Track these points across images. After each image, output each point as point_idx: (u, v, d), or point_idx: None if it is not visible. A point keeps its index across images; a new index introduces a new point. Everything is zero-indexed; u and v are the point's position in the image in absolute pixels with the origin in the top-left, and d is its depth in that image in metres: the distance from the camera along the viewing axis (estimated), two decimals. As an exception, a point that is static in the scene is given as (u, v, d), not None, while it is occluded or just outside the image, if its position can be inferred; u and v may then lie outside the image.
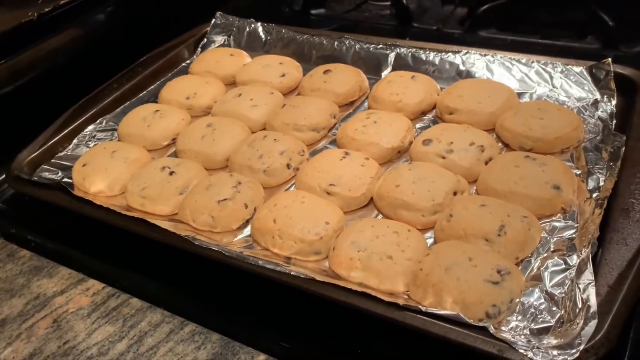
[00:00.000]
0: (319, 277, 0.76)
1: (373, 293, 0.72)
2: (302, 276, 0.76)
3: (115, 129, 1.17)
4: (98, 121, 1.19)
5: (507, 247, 0.77)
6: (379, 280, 0.77)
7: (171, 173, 0.98)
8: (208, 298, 0.85)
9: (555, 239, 0.80)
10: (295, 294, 0.77)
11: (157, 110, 1.15)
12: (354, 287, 0.74)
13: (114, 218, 0.91)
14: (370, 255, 0.78)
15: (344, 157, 0.97)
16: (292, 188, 0.98)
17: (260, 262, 0.79)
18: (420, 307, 0.70)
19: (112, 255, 0.95)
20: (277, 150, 1.00)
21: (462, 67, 1.15)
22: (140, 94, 1.27)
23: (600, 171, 0.88)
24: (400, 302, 0.71)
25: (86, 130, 1.16)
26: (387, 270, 0.77)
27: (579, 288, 0.70)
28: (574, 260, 0.74)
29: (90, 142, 1.15)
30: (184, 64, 1.38)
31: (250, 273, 0.79)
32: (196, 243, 0.83)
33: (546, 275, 0.74)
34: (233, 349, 0.75)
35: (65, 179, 1.04)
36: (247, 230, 0.90)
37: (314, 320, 0.79)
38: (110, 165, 1.02)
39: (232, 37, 1.42)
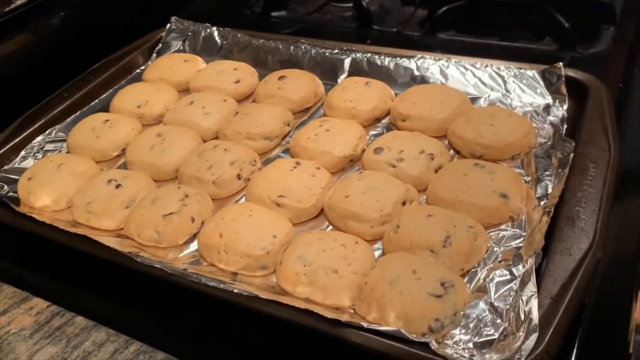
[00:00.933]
0: (263, 294, 0.74)
1: (317, 309, 0.71)
2: (245, 294, 0.74)
3: (65, 140, 1.14)
4: (47, 132, 1.15)
5: (452, 259, 0.76)
6: (325, 295, 0.76)
7: (117, 186, 0.95)
8: (153, 316, 0.83)
9: (502, 248, 0.79)
10: (241, 312, 0.75)
11: (107, 120, 1.12)
12: (299, 304, 0.72)
13: (57, 235, 0.89)
14: (316, 270, 0.77)
15: (294, 167, 0.95)
16: (243, 200, 0.96)
17: (203, 279, 0.77)
18: (362, 323, 0.69)
19: (57, 273, 0.92)
20: (227, 161, 0.98)
21: (416, 73, 1.14)
22: (92, 103, 1.23)
23: (549, 178, 0.88)
24: (345, 317, 0.70)
25: (35, 141, 1.12)
26: (332, 284, 0.76)
27: (522, 300, 0.69)
28: (520, 270, 0.74)
29: (38, 154, 1.11)
30: (138, 71, 1.34)
31: (194, 291, 0.78)
32: (138, 260, 0.81)
33: (492, 286, 0.74)
34: (177, 368, 0.73)
35: (11, 193, 1.01)
36: (194, 245, 0.88)
37: (262, 337, 0.78)
38: (56, 179, 0.99)
39: (187, 42, 1.39)
